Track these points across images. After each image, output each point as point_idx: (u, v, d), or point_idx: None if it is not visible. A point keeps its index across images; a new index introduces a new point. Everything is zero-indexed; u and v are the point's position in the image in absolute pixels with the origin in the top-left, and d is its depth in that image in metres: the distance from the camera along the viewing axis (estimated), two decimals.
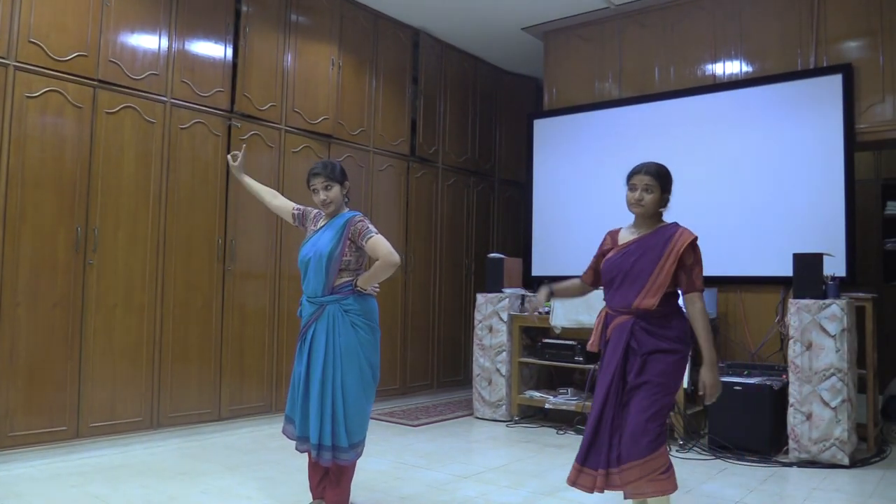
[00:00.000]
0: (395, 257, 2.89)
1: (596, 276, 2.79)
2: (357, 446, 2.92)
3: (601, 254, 2.76)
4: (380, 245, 2.91)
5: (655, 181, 2.59)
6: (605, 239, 2.78)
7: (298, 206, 3.22)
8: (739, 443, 4.23)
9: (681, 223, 2.63)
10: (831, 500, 3.46)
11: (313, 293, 2.93)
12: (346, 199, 3.07)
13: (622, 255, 2.62)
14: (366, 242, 2.93)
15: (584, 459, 2.54)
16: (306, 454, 2.98)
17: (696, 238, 2.56)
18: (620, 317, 2.58)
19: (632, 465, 2.42)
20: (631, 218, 2.70)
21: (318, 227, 3.04)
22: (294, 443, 3.01)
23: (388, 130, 5.94)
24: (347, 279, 2.93)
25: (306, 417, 2.90)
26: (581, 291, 2.89)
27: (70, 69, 3.95)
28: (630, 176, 2.65)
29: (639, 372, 2.49)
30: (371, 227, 2.97)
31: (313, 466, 2.99)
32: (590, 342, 2.73)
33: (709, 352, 2.53)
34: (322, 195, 2.96)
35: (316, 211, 3.13)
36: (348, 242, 2.92)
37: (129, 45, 4.22)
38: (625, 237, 2.70)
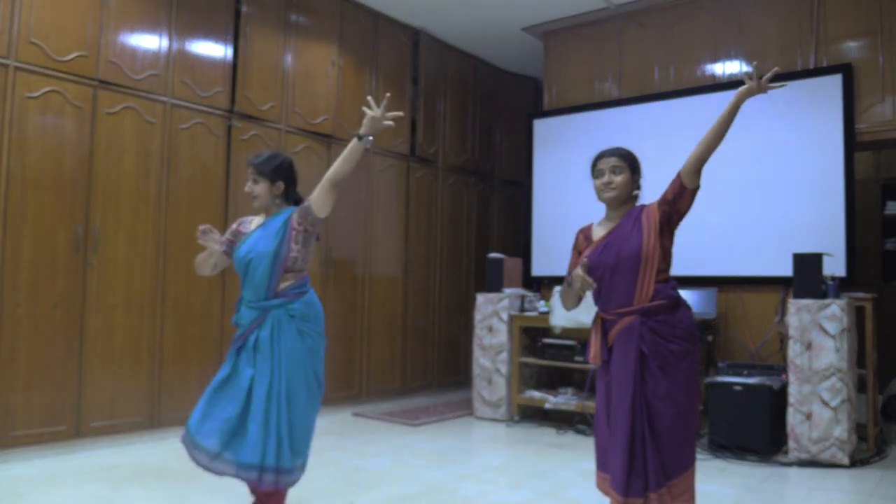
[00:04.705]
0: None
1: None
2: (302, 467, 2.64)
3: (577, 254, 2.55)
4: (320, 185, 2.64)
5: (622, 161, 2.43)
6: (577, 238, 2.58)
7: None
8: (739, 443, 4.23)
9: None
10: (831, 500, 3.46)
11: (255, 297, 2.64)
12: (279, 201, 2.75)
13: (602, 249, 2.41)
14: (312, 205, 2.64)
15: (626, 489, 2.26)
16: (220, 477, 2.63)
17: None
18: (623, 319, 2.36)
19: (681, 480, 2.30)
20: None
21: (253, 228, 2.77)
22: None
23: (388, 130, 5.93)
24: (292, 282, 2.66)
25: (242, 436, 2.55)
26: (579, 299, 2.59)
27: (70, 69, 3.96)
28: (594, 163, 2.48)
29: (659, 383, 2.30)
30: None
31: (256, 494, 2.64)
32: (591, 355, 2.46)
33: (723, 117, 2.35)
34: (247, 187, 2.74)
35: (249, 218, 2.87)
36: (293, 234, 2.65)
37: (129, 45, 4.22)
38: (598, 232, 2.50)
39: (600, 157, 2.48)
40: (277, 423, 2.54)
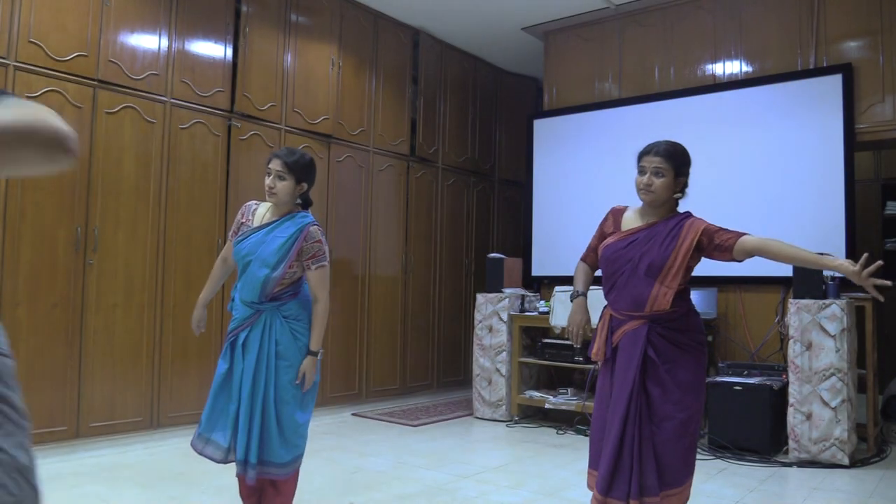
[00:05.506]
0: (328, 302, 2.63)
1: (598, 258, 2.46)
2: (296, 460, 2.63)
3: (601, 234, 2.45)
4: (323, 282, 2.60)
5: (667, 163, 2.28)
6: (606, 217, 2.45)
7: (230, 238, 2.78)
8: (739, 443, 4.23)
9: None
10: (831, 500, 3.46)
11: (249, 297, 2.59)
12: (300, 202, 2.69)
13: (628, 244, 2.31)
14: (314, 269, 2.60)
15: (608, 489, 2.22)
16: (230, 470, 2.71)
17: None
18: (631, 322, 2.29)
19: (675, 492, 2.25)
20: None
21: (258, 220, 2.66)
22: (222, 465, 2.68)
23: (388, 130, 5.94)
24: (288, 286, 2.62)
25: (235, 429, 2.58)
26: (592, 275, 2.56)
27: (70, 69, 3.95)
28: (640, 157, 2.34)
29: (664, 387, 2.24)
30: (327, 250, 2.65)
31: (247, 489, 2.67)
32: (593, 351, 2.40)
33: (807, 256, 2.18)
34: (269, 181, 2.58)
35: (252, 206, 2.74)
36: (295, 254, 2.58)
37: (129, 45, 4.22)
38: (630, 221, 2.38)
39: (646, 152, 2.34)
40: (263, 420, 2.54)
